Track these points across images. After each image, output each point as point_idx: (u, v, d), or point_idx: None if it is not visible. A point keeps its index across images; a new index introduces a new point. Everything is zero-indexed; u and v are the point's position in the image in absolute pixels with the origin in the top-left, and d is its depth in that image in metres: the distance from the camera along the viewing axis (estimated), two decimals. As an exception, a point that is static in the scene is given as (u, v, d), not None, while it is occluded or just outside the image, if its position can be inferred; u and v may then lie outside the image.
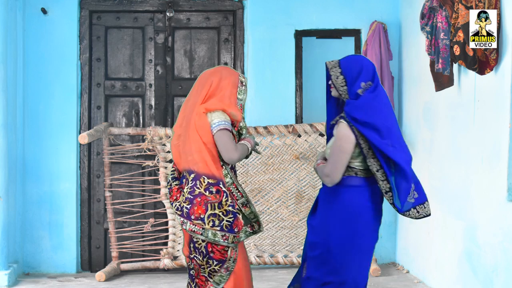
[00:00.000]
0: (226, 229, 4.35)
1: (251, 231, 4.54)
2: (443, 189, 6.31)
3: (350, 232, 4.19)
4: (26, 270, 7.44)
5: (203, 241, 4.39)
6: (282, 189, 7.40)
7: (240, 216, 4.41)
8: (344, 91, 4.21)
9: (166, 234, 7.44)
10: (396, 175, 4.15)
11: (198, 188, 4.37)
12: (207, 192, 4.36)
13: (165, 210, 7.42)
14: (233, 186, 4.43)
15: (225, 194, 4.36)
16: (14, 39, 7.18)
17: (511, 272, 4.95)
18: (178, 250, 7.35)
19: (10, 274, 6.70)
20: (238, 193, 4.46)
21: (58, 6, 7.59)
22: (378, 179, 4.15)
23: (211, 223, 4.35)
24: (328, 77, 4.28)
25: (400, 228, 7.57)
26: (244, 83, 4.53)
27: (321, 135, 7.34)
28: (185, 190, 4.41)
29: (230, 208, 4.36)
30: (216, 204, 4.35)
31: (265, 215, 7.41)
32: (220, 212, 4.35)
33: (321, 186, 4.40)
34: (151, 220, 7.43)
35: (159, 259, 7.36)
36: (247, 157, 4.61)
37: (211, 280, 4.42)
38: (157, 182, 7.50)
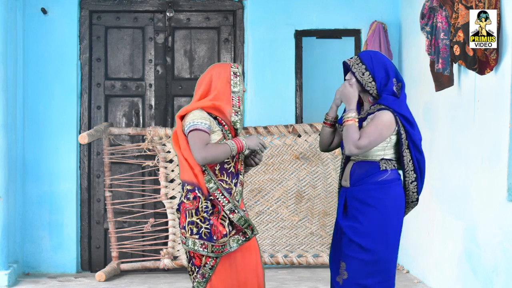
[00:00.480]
0: (205, 237, 4.12)
1: (244, 238, 4.19)
2: (443, 189, 6.31)
3: (400, 225, 4.25)
4: (26, 270, 7.44)
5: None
6: (282, 189, 7.39)
7: (225, 223, 4.14)
8: (373, 86, 4.23)
9: (166, 234, 7.43)
10: (422, 166, 4.29)
11: (182, 196, 4.22)
12: (185, 199, 4.18)
13: (165, 210, 7.41)
14: (218, 192, 4.13)
15: (200, 200, 4.13)
16: (14, 39, 7.18)
17: (511, 272, 4.95)
18: (178, 250, 7.35)
19: (10, 274, 6.70)
20: (224, 199, 4.14)
21: (58, 6, 7.59)
22: (408, 169, 4.23)
23: (189, 231, 4.15)
24: (346, 74, 4.30)
25: (400, 228, 7.56)
26: (237, 73, 4.24)
27: (321, 135, 7.34)
28: None
29: (205, 214, 4.12)
30: (193, 211, 4.14)
31: (265, 215, 7.41)
32: (197, 219, 4.13)
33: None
34: (151, 220, 7.42)
35: (159, 259, 7.36)
36: (253, 160, 4.33)
37: (192, 285, 4.28)
38: (157, 182, 7.50)
